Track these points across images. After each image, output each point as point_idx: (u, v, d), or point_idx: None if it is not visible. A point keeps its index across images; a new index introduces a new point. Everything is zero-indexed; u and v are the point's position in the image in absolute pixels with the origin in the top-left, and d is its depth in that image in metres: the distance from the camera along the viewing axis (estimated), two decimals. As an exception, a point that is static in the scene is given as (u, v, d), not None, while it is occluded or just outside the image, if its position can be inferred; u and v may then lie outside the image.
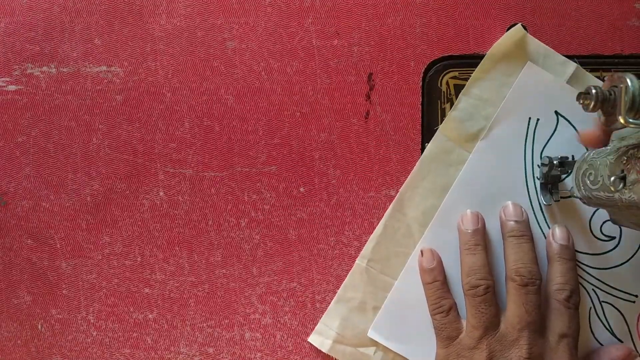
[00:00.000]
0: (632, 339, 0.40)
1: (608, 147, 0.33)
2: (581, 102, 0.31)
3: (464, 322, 0.38)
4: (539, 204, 0.41)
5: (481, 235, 0.39)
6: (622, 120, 0.29)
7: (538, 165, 0.40)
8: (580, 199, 0.36)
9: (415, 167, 0.41)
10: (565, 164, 0.38)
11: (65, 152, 0.42)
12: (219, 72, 0.42)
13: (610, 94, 0.30)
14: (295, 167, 0.42)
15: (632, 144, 0.30)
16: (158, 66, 0.42)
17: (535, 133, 0.41)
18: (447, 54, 0.42)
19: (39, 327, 0.42)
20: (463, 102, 0.41)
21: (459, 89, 0.41)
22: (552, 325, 0.37)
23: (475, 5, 0.42)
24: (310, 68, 0.42)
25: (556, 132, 0.41)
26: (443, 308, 0.39)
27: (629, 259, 0.40)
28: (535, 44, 0.41)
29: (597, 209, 0.40)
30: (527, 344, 0.36)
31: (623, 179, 0.29)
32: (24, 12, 0.42)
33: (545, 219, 0.41)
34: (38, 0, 0.42)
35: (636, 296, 0.40)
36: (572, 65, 0.40)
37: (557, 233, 0.39)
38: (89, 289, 0.42)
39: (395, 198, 0.41)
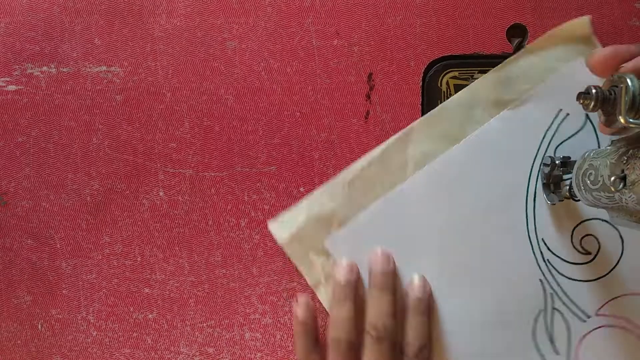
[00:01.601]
0: (568, 356, 0.40)
1: (608, 147, 0.33)
2: (581, 101, 0.31)
3: None
4: (534, 200, 0.41)
5: (352, 288, 0.38)
6: (622, 120, 0.29)
7: (546, 164, 0.40)
8: (576, 199, 0.36)
9: (435, 109, 0.41)
10: (568, 164, 0.38)
11: (65, 152, 0.42)
12: (219, 72, 0.42)
13: (610, 94, 0.30)
14: (295, 167, 0.42)
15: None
16: (158, 66, 0.42)
17: (560, 126, 0.40)
18: (447, 54, 0.42)
19: (39, 327, 0.42)
20: (507, 68, 0.41)
21: (458, 88, 0.41)
22: None
23: (475, 5, 0.42)
24: (310, 68, 0.42)
25: (579, 133, 0.40)
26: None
27: (596, 279, 0.41)
28: (596, 47, 0.40)
29: (584, 221, 0.41)
30: None
31: (623, 179, 0.29)
32: (24, 12, 0.42)
33: (534, 223, 0.41)
34: (38, 0, 0.42)
35: (588, 317, 0.40)
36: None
37: (415, 283, 0.39)
38: (89, 289, 0.42)
39: (403, 130, 0.41)
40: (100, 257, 0.42)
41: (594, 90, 0.30)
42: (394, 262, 0.40)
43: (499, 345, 0.40)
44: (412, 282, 0.39)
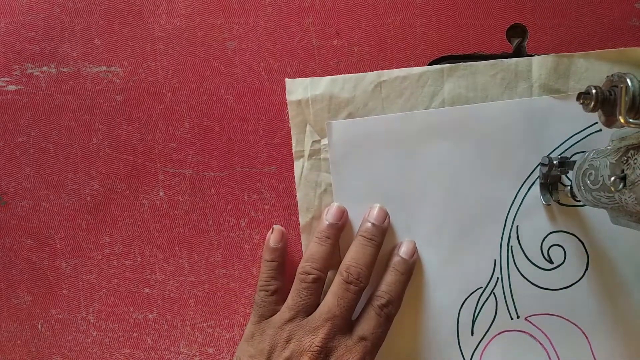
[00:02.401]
0: (479, 342, 0.41)
1: (608, 147, 0.33)
2: (581, 102, 0.31)
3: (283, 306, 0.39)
4: (530, 187, 0.41)
5: (336, 230, 0.40)
6: (622, 120, 0.29)
7: (544, 164, 0.40)
8: (577, 200, 0.36)
9: (490, 61, 0.41)
10: (566, 164, 0.38)
11: (65, 152, 0.42)
12: (219, 72, 0.42)
13: (610, 94, 0.30)
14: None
15: (632, 144, 0.30)
16: (158, 66, 0.42)
17: (589, 137, 0.40)
18: (447, 54, 0.42)
19: (39, 327, 0.42)
20: (572, 60, 0.41)
21: (459, 88, 0.41)
22: (358, 326, 0.38)
23: (475, 5, 0.42)
24: (310, 68, 0.42)
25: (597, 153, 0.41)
26: (270, 288, 0.39)
27: (543, 288, 0.41)
28: None
29: (565, 232, 0.41)
30: (325, 334, 0.37)
31: (623, 179, 0.29)
32: (24, 12, 0.42)
33: (518, 207, 0.41)
34: (38, 0, 0.42)
35: (517, 317, 0.41)
36: None
37: (403, 247, 0.40)
38: (89, 289, 0.42)
39: (451, 65, 0.41)
40: (100, 257, 0.42)
41: (594, 90, 0.30)
42: (389, 221, 0.40)
43: (434, 300, 0.41)
44: (402, 245, 0.40)
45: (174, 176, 0.42)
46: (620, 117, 0.29)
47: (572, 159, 0.38)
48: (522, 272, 0.41)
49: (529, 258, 0.41)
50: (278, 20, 0.42)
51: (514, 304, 0.41)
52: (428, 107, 0.41)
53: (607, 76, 0.31)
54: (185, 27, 0.42)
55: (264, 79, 0.42)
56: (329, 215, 0.40)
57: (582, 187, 0.34)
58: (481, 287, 0.41)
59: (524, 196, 0.41)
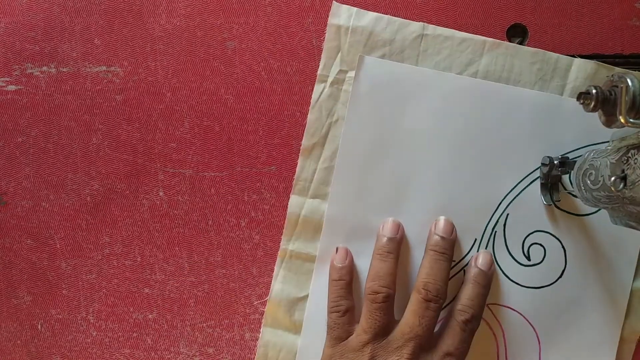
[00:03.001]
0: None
1: (609, 147, 0.33)
2: (581, 102, 0.31)
3: (356, 327, 0.38)
4: (531, 182, 0.41)
5: (397, 244, 0.39)
6: (622, 120, 0.29)
7: (544, 164, 0.40)
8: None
9: (536, 50, 0.41)
10: (566, 164, 0.38)
11: (65, 152, 0.42)
12: (219, 72, 0.42)
13: (611, 94, 0.30)
14: (295, 167, 0.42)
15: (632, 144, 0.30)
16: (158, 66, 0.42)
17: (596, 145, 0.40)
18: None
19: (39, 327, 0.42)
20: (604, 72, 0.40)
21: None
22: (442, 342, 0.37)
23: (475, 5, 0.42)
24: (310, 68, 0.42)
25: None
26: (340, 308, 0.39)
27: (511, 281, 0.41)
28: None
29: (551, 234, 0.41)
30: (409, 353, 0.36)
31: (623, 179, 0.29)
32: (24, 12, 0.42)
33: (515, 197, 0.41)
34: (38, 0, 0.42)
35: (496, 304, 0.41)
36: None
37: (480, 258, 0.40)
38: (89, 289, 0.42)
39: (497, 40, 0.41)
40: (100, 257, 0.42)
41: (594, 90, 0.30)
42: (456, 233, 0.40)
43: (407, 258, 0.41)
44: (479, 256, 0.40)
45: (174, 176, 0.42)
46: (620, 117, 0.29)
47: (572, 159, 0.38)
48: (497, 260, 0.41)
49: (508, 248, 0.41)
50: (278, 20, 0.42)
51: (495, 303, 0.41)
52: (461, 73, 0.40)
53: (607, 76, 0.31)
54: (185, 27, 0.42)
55: (264, 79, 0.42)
56: (386, 230, 0.39)
57: (582, 187, 0.34)
58: (453, 262, 0.41)
59: (524, 188, 0.41)
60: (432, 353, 0.37)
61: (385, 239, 0.39)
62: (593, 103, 0.30)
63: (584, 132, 0.40)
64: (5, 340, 0.42)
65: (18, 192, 0.42)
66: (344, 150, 0.41)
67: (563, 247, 0.41)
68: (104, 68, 0.42)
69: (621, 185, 0.29)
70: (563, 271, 0.41)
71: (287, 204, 0.42)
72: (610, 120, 0.31)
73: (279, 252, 0.41)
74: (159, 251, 0.42)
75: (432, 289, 0.37)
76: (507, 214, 0.41)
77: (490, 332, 0.41)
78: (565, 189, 0.41)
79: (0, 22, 0.42)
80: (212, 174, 0.42)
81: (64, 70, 0.42)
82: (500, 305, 0.41)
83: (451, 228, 0.40)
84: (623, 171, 0.30)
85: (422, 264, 0.39)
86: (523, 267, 0.41)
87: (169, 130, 0.42)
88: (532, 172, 0.41)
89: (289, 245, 0.41)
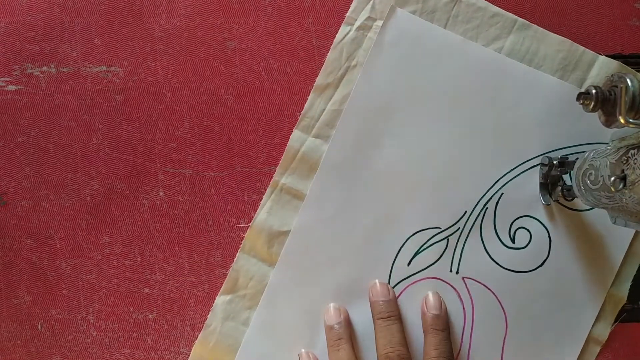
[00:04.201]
0: (412, 274, 0.41)
1: (608, 147, 0.33)
2: (581, 102, 0.31)
3: None
4: (529, 168, 0.41)
5: (344, 328, 0.39)
6: (622, 120, 0.29)
7: (544, 164, 0.40)
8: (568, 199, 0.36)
9: (567, 41, 0.41)
10: (566, 164, 0.38)
11: (65, 152, 0.42)
12: (219, 72, 0.42)
13: (610, 94, 0.30)
14: (295, 167, 0.42)
15: (632, 144, 0.30)
16: (158, 66, 0.42)
17: (593, 146, 0.40)
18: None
19: (39, 327, 0.42)
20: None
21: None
22: None
23: (475, 5, 0.42)
24: (310, 68, 0.42)
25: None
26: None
27: (492, 260, 0.41)
28: None
29: (527, 216, 0.41)
30: None
31: (623, 179, 0.29)
32: (24, 12, 0.42)
33: (512, 180, 0.41)
34: (38, 0, 0.42)
35: (457, 273, 0.41)
36: None
37: (430, 302, 0.40)
38: (89, 289, 0.42)
39: (525, 21, 0.41)
40: (100, 257, 0.42)
41: (594, 91, 0.30)
42: (394, 292, 0.40)
43: (393, 215, 0.41)
44: (428, 299, 0.40)
45: (174, 176, 0.42)
46: (620, 117, 0.29)
47: (571, 159, 0.38)
48: (482, 236, 0.41)
49: (496, 227, 0.41)
50: (278, 20, 0.42)
51: (460, 259, 0.41)
52: (486, 46, 0.41)
53: (607, 76, 0.31)
54: (185, 27, 0.42)
55: (264, 79, 0.42)
56: (330, 320, 0.39)
57: (582, 187, 0.34)
58: (439, 228, 0.41)
59: (524, 171, 0.41)
60: None
61: (333, 328, 0.39)
62: (593, 103, 0.30)
63: (597, 129, 0.40)
64: (5, 340, 0.42)
65: (18, 192, 0.42)
66: (355, 96, 0.41)
67: (550, 237, 0.41)
68: (104, 68, 0.42)
69: (621, 185, 0.29)
70: (544, 261, 0.41)
71: (287, 204, 0.42)
72: (610, 120, 0.31)
73: (270, 182, 0.41)
74: (159, 251, 0.42)
75: (394, 357, 0.37)
76: (502, 193, 0.41)
77: (460, 305, 0.41)
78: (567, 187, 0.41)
79: (0, 22, 0.42)
80: (212, 174, 0.42)
81: (64, 70, 0.42)
82: (476, 280, 0.41)
83: (387, 289, 0.40)
84: (623, 171, 0.30)
85: (376, 336, 0.39)
86: (506, 248, 0.41)
87: (169, 130, 0.42)
88: (534, 158, 0.41)
89: (282, 178, 0.41)
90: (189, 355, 0.42)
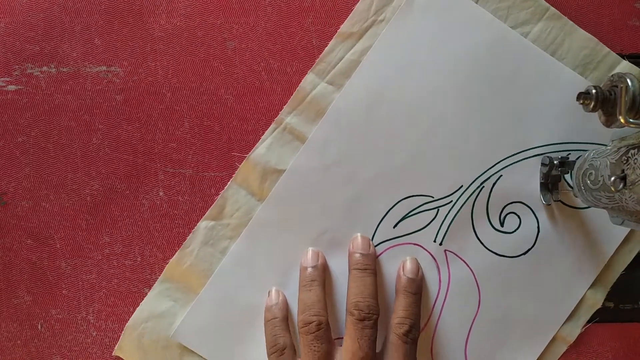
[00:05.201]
0: (392, 239, 0.41)
1: (608, 147, 0.33)
2: (581, 102, 0.31)
3: None
4: (527, 157, 0.41)
5: (319, 271, 0.39)
6: (622, 120, 0.29)
7: (544, 164, 0.40)
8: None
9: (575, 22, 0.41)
10: (566, 164, 0.38)
11: (65, 152, 0.42)
12: (219, 72, 0.42)
13: (610, 94, 0.30)
14: (295, 167, 0.42)
15: (632, 143, 0.30)
16: (158, 66, 0.42)
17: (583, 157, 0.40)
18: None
19: (39, 327, 0.42)
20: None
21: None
22: (387, 358, 0.37)
23: (475, 5, 0.42)
24: (310, 68, 0.42)
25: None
26: (278, 346, 0.38)
27: (477, 239, 0.41)
28: None
29: (521, 203, 0.41)
30: None
31: (623, 179, 0.29)
32: (24, 12, 0.42)
33: (509, 161, 0.41)
34: (38, 0, 0.42)
35: (440, 244, 0.41)
36: None
37: (407, 266, 0.40)
38: (88, 289, 0.42)
39: None
40: (100, 257, 0.42)
41: (594, 91, 0.30)
42: (374, 248, 0.40)
43: (389, 176, 0.41)
44: (406, 264, 0.40)
45: (174, 176, 0.42)
46: (620, 117, 0.29)
47: (571, 159, 0.38)
48: (473, 213, 0.41)
49: (488, 207, 0.41)
50: (278, 20, 0.42)
51: (446, 231, 0.41)
52: (513, 28, 0.40)
53: (607, 76, 0.31)
54: (185, 27, 0.42)
55: (264, 79, 0.42)
56: (307, 261, 0.39)
57: (582, 187, 0.35)
58: (432, 197, 0.41)
59: (525, 158, 0.41)
60: None
61: (308, 270, 0.39)
62: (593, 103, 0.30)
63: (607, 129, 0.40)
64: (5, 340, 0.42)
65: (18, 192, 0.42)
66: (376, 51, 0.40)
67: (538, 228, 0.41)
68: (104, 68, 0.42)
69: (621, 185, 0.29)
70: (529, 250, 0.41)
71: (287, 204, 0.42)
72: (610, 120, 0.31)
73: (275, 119, 0.41)
74: (159, 251, 0.42)
75: (363, 307, 0.37)
76: (501, 175, 0.41)
77: (437, 276, 0.41)
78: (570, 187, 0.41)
79: (0, 22, 0.42)
80: (212, 174, 0.42)
81: (64, 70, 0.42)
82: (457, 255, 0.41)
83: (368, 243, 0.40)
84: (623, 171, 0.30)
85: (348, 286, 0.39)
86: (493, 230, 0.41)
87: (169, 130, 0.42)
88: (539, 147, 0.41)
89: (287, 117, 0.41)
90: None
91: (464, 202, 0.41)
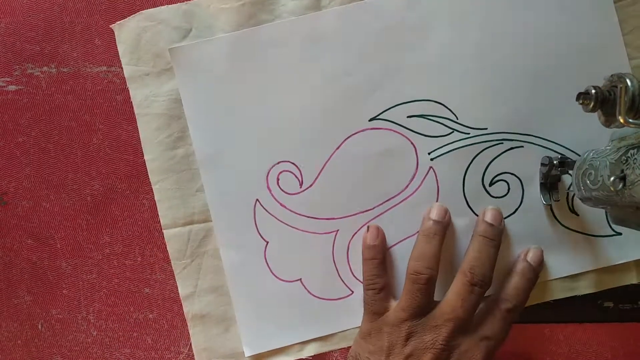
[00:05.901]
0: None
1: (608, 147, 0.33)
2: (581, 102, 0.31)
3: (393, 303, 0.39)
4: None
5: (443, 227, 0.39)
6: (621, 120, 0.29)
7: (544, 164, 0.40)
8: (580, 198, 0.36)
9: None
10: (565, 164, 0.38)
11: (65, 152, 0.42)
12: (219, 72, 0.42)
13: (610, 94, 0.30)
14: (295, 167, 0.42)
15: (631, 143, 0.31)
16: (158, 66, 0.42)
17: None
18: None
19: (39, 327, 0.42)
20: None
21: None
22: (481, 327, 0.38)
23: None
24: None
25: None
26: (376, 286, 0.39)
27: (464, 194, 0.41)
28: None
29: (519, 179, 0.41)
30: (447, 332, 0.36)
31: (623, 179, 0.29)
32: (24, 12, 0.42)
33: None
34: (38, 0, 0.42)
35: (430, 158, 0.41)
36: None
37: (531, 253, 0.40)
38: (89, 289, 0.42)
39: None
40: (100, 257, 0.42)
41: (593, 91, 0.30)
42: (504, 223, 0.40)
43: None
44: (529, 252, 0.40)
45: (174, 176, 0.42)
46: (619, 117, 0.29)
47: (571, 159, 0.38)
48: (475, 158, 0.41)
49: (485, 170, 0.41)
50: (278, 20, 0.42)
51: (443, 154, 0.41)
52: None
53: (607, 76, 0.31)
54: (185, 27, 0.42)
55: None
56: (433, 214, 0.40)
57: (582, 187, 0.35)
58: (456, 117, 0.41)
59: (548, 148, 0.41)
60: (470, 336, 0.37)
61: (431, 222, 0.39)
62: (592, 103, 0.30)
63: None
64: (5, 340, 0.42)
65: (18, 192, 0.42)
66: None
67: (520, 203, 0.41)
68: (105, 68, 0.42)
69: (621, 185, 0.29)
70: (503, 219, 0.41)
71: (287, 204, 0.42)
72: (609, 121, 0.31)
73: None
74: (159, 251, 0.42)
75: (479, 273, 0.37)
76: (522, 145, 0.41)
77: (411, 176, 0.41)
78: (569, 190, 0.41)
79: (0, 22, 0.42)
80: (212, 174, 0.42)
81: (65, 70, 0.42)
82: (436, 180, 0.41)
83: (500, 217, 0.40)
84: (622, 171, 0.30)
85: (469, 248, 0.39)
86: (477, 190, 0.41)
87: (169, 130, 0.42)
88: (564, 147, 0.41)
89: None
90: (189, 356, 0.42)
91: (476, 143, 0.41)
